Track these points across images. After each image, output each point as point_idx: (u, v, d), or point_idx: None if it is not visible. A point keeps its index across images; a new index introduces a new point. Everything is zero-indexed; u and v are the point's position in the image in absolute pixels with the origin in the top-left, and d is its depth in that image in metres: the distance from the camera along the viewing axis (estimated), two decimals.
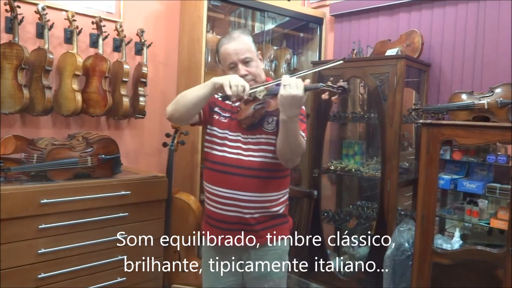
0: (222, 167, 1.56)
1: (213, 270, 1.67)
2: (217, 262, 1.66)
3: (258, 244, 1.58)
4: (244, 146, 1.55)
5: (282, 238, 1.63)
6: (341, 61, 1.49)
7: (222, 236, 1.59)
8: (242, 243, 1.57)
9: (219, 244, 1.61)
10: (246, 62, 1.56)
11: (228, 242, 1.59)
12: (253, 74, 1.56)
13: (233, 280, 1.65)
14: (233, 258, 1.63)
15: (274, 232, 1.60)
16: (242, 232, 1.56)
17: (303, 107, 1.56)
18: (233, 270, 1.64)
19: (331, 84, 1.38)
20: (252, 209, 1.55)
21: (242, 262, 1.63)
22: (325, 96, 1.41)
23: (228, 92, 1.43)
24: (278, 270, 1.61)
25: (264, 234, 1.58)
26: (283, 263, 1.64)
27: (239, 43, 1.56)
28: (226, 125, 1.60)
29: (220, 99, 1.58)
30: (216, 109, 1.64)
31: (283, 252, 1.64)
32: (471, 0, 2.55)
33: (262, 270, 1.60)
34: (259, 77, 1.57)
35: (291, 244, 1.73)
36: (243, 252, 1.61)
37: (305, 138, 1.53)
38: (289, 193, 2.58)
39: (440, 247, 2.28)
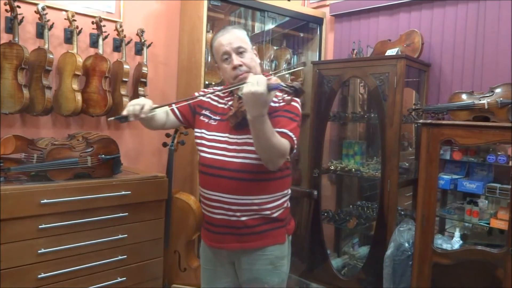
0: (208, 169, 1.53)
1: (209, 272, 1.67)
2: (211, 264, 1.66)
3: (248, 248, 1.54)
4: (229, 147, 1.51)
5: (275, 243, 1.56)
6: (302, 67, 1.42)
7: (213, 238, 1.59)
8: (232, 247, 1.55)
9: (213, 247, 1.61)
10: (240, 52, 1.50)
11: (220, 245, 1.58)
12: (247, 65, 1.50)
13: (228, 281, 1.64)
14: (226, 261, 1.62)
15: (265, 237, 1.54)
16: (231, 235, 1.53)
17: (296, 105, 1.53)
18: (227, 272, 1.63)
19: (287, 84, 1.29)
20: (238, 211, 1.50)
21: (235, 266, 1.61)
22: (280, 93, 1.33)
23: (124, 113, 1.47)
24: (271, 276, 1.56)
25: (254, 239, 1.52)
26: (279, 269, 1.58)
27: (233, 34, 1.53)
28: (215, 127, 1.56)
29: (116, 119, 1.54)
30: (206, 112, 1.62)
31: (277, 258, 1.57)
32: (471, 0, 2.56)
33: (254, 275, 1.56)
34: (254, 69, 1.51)
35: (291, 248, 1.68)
36: (235, 255, 1.59)
37: (295, 138, 1.47)
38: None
39: (440, 247, 2.28)
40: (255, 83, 1.26)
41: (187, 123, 1.70)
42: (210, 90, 1.68)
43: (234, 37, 1.52)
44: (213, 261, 1.65)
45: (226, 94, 1.61)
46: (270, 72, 1.60)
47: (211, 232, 1.59)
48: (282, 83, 1.29)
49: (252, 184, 1.50)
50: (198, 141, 1.60)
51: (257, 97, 1.26)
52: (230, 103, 1.58)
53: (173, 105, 1.67)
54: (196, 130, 1.63)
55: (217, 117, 1.59)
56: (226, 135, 1.53)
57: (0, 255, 1.73)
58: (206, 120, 1.60)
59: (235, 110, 1.48)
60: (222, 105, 1.61)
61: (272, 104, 1.47)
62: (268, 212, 1.53)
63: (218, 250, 1.60)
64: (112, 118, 1.56)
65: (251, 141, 1.44)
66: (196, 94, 1.69)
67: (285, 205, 1.62)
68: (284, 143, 1.41)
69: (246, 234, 1.52)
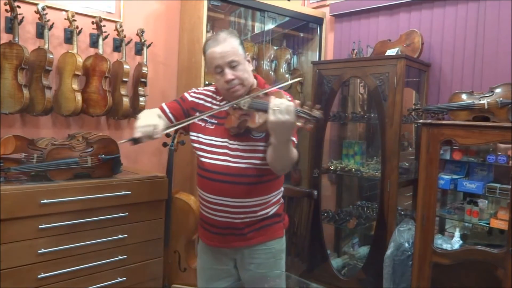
0: (211, 174, 1.53)
1: (209, 271, 1.69)
2: (212, 263, 1.68)
3: (250, 245, 1.58)
4: (231, 153, 1.52)
5: (275, 237, 1.62)
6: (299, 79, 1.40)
7: (215, 239, 1.62)
8: (235, 245, 1.59)
9: (215, 246, 1.63)
10: (232, 66, 1.48)
11: (222, 245, 1.61)
12: (240, 78, 1.49)
13: (229, 279, 1.66)
14: (227, 258, 1.65)
15: (266, 232, 1.60)
16: (234, 236, 1.57)
17: None
18: (228, 270, 1.66)
19: (307, 112, 1.27)
20: (242, 214, 1.54)
21: (237, 262, 1.64)
22: (300, 124, 1.31)
23: (136, 135, 1.45)
24: (274, 269, 1.61)
25: (255, 236, 1.58)
26: (279, 262, 1.64)
27: (226, 46, 1.48)
28: (213, 131, 1.57)
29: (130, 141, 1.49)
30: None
31: (277, 251, 1.63)
32: (471, 0, 2.56)
33: (258, 270, 1.60)
34: (246, 81, 1.51)
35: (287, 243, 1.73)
36: (236, 252, 1.62)
37: (296, 142, 1.50)
38: (289, 193, 2.60)
39: (440, 247, 2.28)
40: (283, 111, 1.24)
41: (182, 128, 1.69)
42: (201, 89, 1.68)
43: (227, 49, 1.47)
44: (214, 260, 1.67)
45: (221, 98, 1.61)
46: (277, 85, 1.57)
47: (213, 233, 1.61)
48: (303, 112, 1.25)
49: (256, 187, 1.54)
50: (195, 144, 1.60)
51: (288, 126, 1.26)
52: (226, 107, 1.55)
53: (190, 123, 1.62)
54: (192, 133, 1.62)
55: (214, 120, 1.58)
56: (226, 140, 1.54)
57: (0, 255, 1.73)
58: (203, 124, 1.59)
59: (238, 123, 1.47)
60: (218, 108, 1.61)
61: None
62: (266, 211, 1.59)
63: (220, 249, 1.63)
64: (123, 141, 1.51)
65: (253, 148, 1.50)
66: (186, 94, 1.66)
67: (281, 201, 1.68)
68: (296, 152, 1.46)
69: (248, 232, 1.57)
